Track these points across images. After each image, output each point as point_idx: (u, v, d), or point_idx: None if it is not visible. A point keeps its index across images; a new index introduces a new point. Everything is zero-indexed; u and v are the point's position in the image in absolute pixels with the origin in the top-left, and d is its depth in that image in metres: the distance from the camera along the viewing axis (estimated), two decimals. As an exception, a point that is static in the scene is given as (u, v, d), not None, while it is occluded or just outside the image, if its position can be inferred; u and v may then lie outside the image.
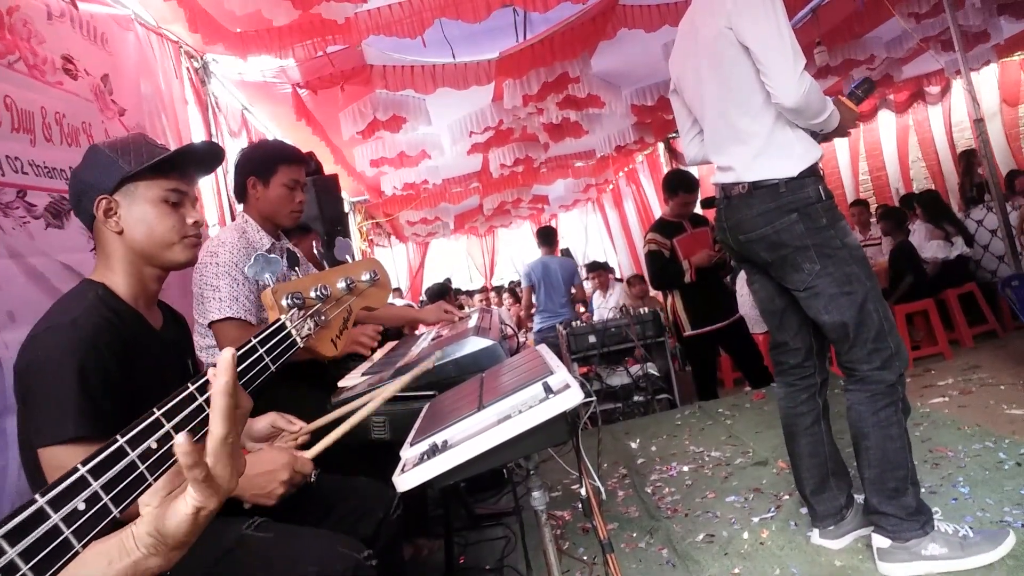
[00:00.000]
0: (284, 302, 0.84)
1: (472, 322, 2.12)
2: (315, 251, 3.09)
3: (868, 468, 1.77)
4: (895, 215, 5.00)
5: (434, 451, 1.10)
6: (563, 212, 10.85)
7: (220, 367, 0.60)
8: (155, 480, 0.57)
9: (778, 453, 2.71)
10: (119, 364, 1.14)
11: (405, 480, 1.08)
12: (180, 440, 0.55)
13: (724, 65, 1.79)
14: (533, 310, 5.62)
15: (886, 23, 4.55)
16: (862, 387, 1.78)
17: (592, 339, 4.41)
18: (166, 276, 1.33)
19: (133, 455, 0.55)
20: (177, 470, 0.59)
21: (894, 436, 1.74)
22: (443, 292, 5.56)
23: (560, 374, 1.18)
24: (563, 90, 4.38)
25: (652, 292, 6.28)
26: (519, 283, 8.22)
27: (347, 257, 3.29)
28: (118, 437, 0.55)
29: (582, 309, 5.97)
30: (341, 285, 0.95)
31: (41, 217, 1.68)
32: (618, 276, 8.58)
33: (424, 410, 1.49)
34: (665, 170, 6.96)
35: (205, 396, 0.63)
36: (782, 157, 1.77)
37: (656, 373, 4.37)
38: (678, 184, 3.96)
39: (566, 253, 8.06)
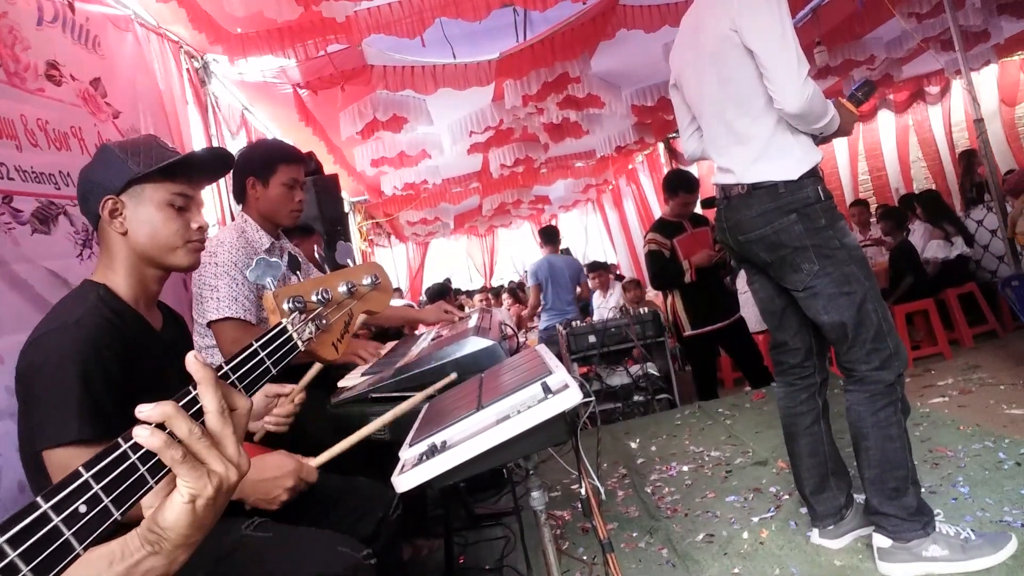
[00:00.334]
0: (285, 306, 0.84)
1: (472, 322, 2.12)
2: (316, 254, 3.09)
3: (868, 468, 1.77)
4: (895, 215, 5.00)
5: (433, 451, 1.10)
6: (563, 212, 10.85)
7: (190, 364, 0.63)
8: (157, 482, 0.58)
9: (778, 453, 2.71)
10: (120, 365, 1.14)
11: (404, 480, 1.08)
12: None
13: (727, 66, 1.79)
14: (540, 308, 5.62)
15: (886, 23, 4.55)
16: (861, 387, 1.78)
17: (592, 339, 4.41)
18: (167, 278, 1.34)
19: (134, 457, 0.56)
20: None
21: (893, 436, 1.74)
22: (443, 292, 5.56)
23: (559, 374, 1.18)
24: (563, 90, 4.38)
25: (649, 296, 6.27)
26: (519, 283, 8.22)
27: (348, 261, 3.30)
28: (120, 440, 0.55)
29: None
30: (342, 289, 0.95)
31: (27, 223, 1.67)
32: (620, 274, 8.58)
33: (423, 410, 1.49)
34: (665, 170, 6.95)
35: (198, 406, 0.63)
36: (782, 160, 1.77)
37: (656, 373, 4.37)
38: (678, 184, 3.96)
39: (566, 253, 8.05)
